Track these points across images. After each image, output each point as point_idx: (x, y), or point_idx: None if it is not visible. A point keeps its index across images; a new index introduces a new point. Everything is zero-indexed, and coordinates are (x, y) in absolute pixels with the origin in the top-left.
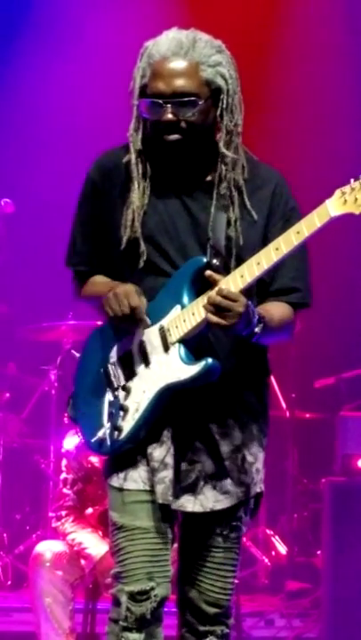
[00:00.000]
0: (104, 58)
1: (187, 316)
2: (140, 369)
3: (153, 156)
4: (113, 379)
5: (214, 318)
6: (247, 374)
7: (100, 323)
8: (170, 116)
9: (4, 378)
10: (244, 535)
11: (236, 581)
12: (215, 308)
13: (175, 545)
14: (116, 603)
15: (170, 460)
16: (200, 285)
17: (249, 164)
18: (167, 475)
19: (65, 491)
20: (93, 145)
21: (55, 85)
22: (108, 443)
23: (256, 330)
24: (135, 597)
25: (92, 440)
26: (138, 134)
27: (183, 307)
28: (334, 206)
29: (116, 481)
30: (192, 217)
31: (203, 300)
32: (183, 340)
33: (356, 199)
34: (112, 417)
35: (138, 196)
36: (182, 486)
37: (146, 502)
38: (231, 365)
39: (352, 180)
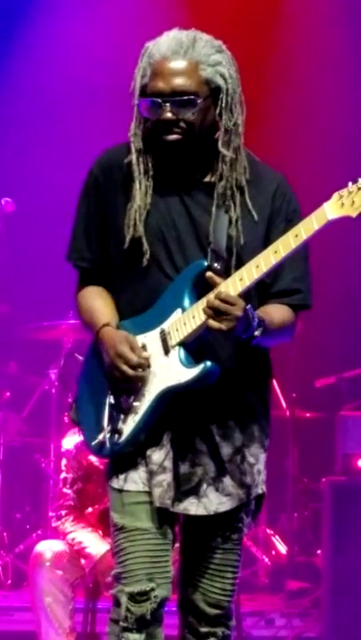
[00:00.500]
0: (104, 57)
1: (187, 319)
2: (141, 373)
3: (154, 154)
4: (113, 383)
5: (214, 324)
6: (248, 376)
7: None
8: (169, 114)
9: (4, 377)
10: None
11: (237, 582)
12: (214, 311)
13: (176, 545)
14: (117, 603)
15: (168, 463)
16: (201, 289)
17: (251, 165)
18: (165, 478)
19: (65, 490)
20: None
21: (54, 83)
22: (108, 445)
23: (256, 333)
24: (135, 598)
25: (93, 443)
26: (139, 134)
27: (184, 310)
28: (332, 209)
29: (116, 482)
30: (192, 218)
31: (203, 303)
32: (183, 343)
33: (353, 202)
34: (112, 420)
35: (140, 195)
36: (185, 490)
37: (146, 503)
38: (232, 367)
39: (350, 184)
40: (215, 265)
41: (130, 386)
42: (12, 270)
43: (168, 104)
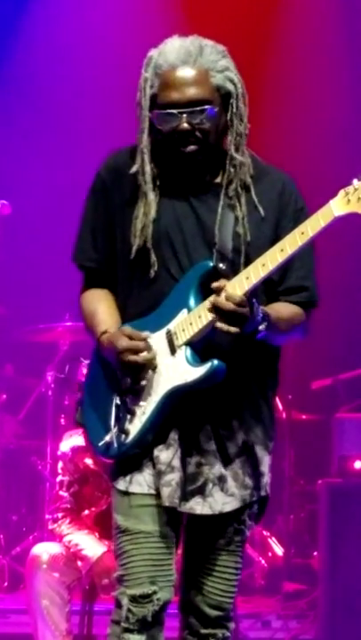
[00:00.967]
0: (103, 60)
1: (193, 319)
2: (148, 373)
3: (164, 163)
4: (120, 383)
5: (223, 325)
6: (255, 377)
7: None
8: (185, 125)
9: (0, 379)
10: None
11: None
12: (221, 312)
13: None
14: (118, 605)
15: (177, 462)
16: (207, 289)
17: (254, 163)
18: (174, 477)
19: (61, 493)
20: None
21: (52, 86)
22: (115, 446)
23: (260, 327)
24: (137, 600)
25: (99, 444)
26: (148, 145)
27: (190, 310)
28: (338, 206)
29: (121, 484)
30: (199, 219)
31: (209, 302)
32: (190, 343)
33: (359, 198)
34: (119, 420)
35: (149, 206)
36: (191, 489)
37: (150, 506)
38: (238, 368)
39: (355, 181)
40: (221, 265)
41: (144, 373)
42: (8, 273)
43: (184, 115)
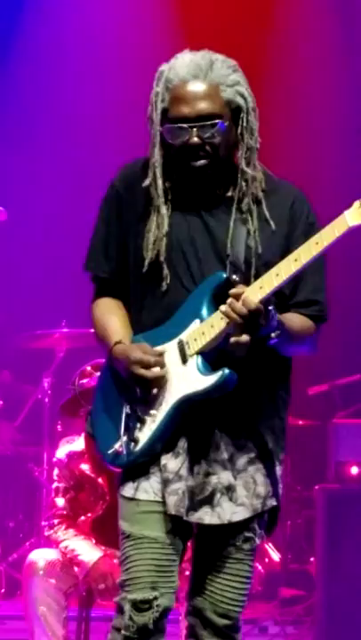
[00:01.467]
0: (101, 66)
1: (206, 328)
2: (157, 386)
3: (175, 177)
4: (131, 392)
5: (235, 337)
6: (267, 386)
7: (93, 330)
8: (196, 139)
9: None
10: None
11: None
12: (234, 317)
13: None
14: (120, 610)
15: (184, 471)
16: (219, 301)
17: (266, 177)
18: (180, 487)
19: (57, 499)
20: (88, 155)
21: (48, 92)
22: (125, 453)
23: (273, 335)
24: (138, 606)
25: (109, 452)
26: (159, 160)
27: (202, 320)
28: (353, 217)
29: (127, 491)
30: (211, 232)
31: (224, 307)
32: (201, 352)
33: None
34: (129, 429)
35: (161, 219)
36: (199, 499)
37: (156, 513)
38: (250, 377)
39: None
40: (234, 277)
41: (152, 389)
42: (5, 279)
43: (195, 129)
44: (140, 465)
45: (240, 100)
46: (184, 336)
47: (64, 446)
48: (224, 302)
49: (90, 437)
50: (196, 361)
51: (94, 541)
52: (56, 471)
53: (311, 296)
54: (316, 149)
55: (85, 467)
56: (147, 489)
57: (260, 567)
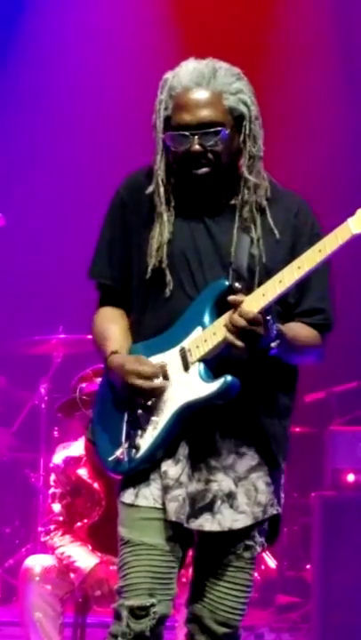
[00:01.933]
0: (103, 72)
1: (208, 336)
2: (153, 398)
3: (178, 185)
4: (132, 399)
5: (238, 342)
6: (270, 394)
7: (90, 336)
8: (197, 147)
9: None
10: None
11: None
12: (237, 330)
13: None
14: (117, 617)
15: (185, 478)
16: (222, 308)
17: (271, 186)
18: (181, 493)
19: (53, 505)
20: (88, 160)
21: (49, 97)
22: (126, 460)
23: (273, 345)
24: (135, 612)
25: (110, 459)
26: (162, 166)
27: (204, 328)
28: (356, 224)
29: (127, 497)
30: (214, 240)
31: (225, 319)
32: (204, 360)
33: None
34: (130, 436)
35: (164, 226)
36: (199, 506)
37: (156, 520)
38: (253, 384)
39: None
40: (237, 284)
41: (149, 399)
42: (2, 285)
43: (196, 137)
44: (141, 472)
45: (243, 108)
46: (186, 343)
47: (60, 452)
48: (226, 310)
49: (90, 444)
50: (198, 368)
51: (90, 547)
52: (52, 477)
53: (316, 305)
54: (318, 153)
55: (82, 472)
56: (147, 495)
57: (256, 574)
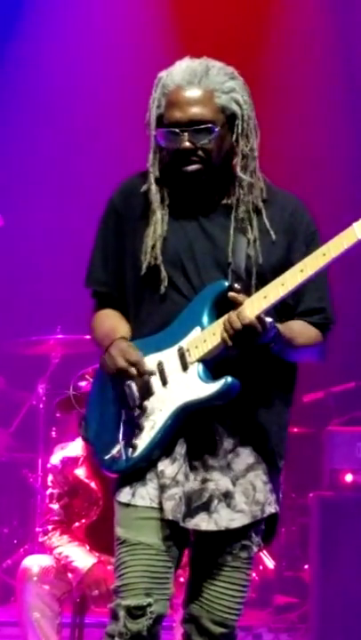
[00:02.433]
0: (102, 73)
1: (207, 336)
2: (158, 388)
3: (171, 183)
4: (129, 398)
5: (229, 342)
6: (267, 394)
7: (88, 337)
8: (187, 144)
9: None
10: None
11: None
12: (235, 332)
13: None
14: (114, 617)
15: (181, 477)
16: (221, 309)
17: (266, 187)
18: (177, 492)
19: (51, 505)
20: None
21: (48, 98)
22: (123, 459)
23: (271, 345)
24: (132, 612)
25: (106, 457)
26: (156, 164)
27: (203, 328)
28: None
29: (123, 497)
30: (211, 240)
31: (225, 320)
32: (202, 360)
33: None
34: (127, 435)
35: (158, 223)
36: (196, 505)
37: (152, 519)
38: (251, 385)
39: None
40: (236, 285)
41: (124, 378)
42: (0, 285)
43: (186, 133)
44: (137, 471)
45: (235, 107)
46: (184, 343)
47: (58, 452)
48: (225, 310)
49: (85, 442)
50: (197, 368)
51: (88, 547)
52: (50, 477)
53: (316, 304)
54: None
55: (79, 473)
56: (143, 495)
57: (254, 574)
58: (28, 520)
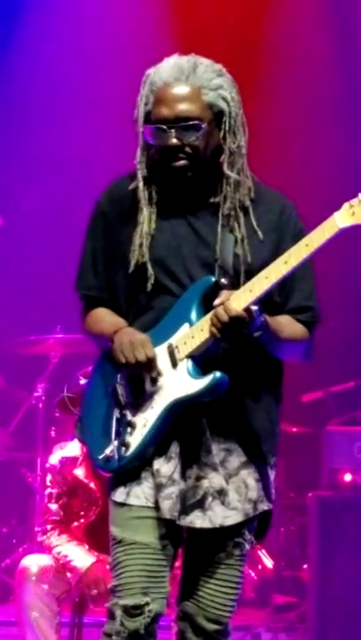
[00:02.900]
0: (100, 72)
1: (195, 332)
2: (149, 386)
3: (159, 180)
4: (121, 397)
5: (218, 335)
6: (258, 390)
7: (85, 335)
8: (174, 140)
9: None
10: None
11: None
12: (222, 325)
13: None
14: (111, 616)
15: (177, 476)
16: (209, 304)
17: (255, 187)
18: (174, 491)
19: (50, 505)
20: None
21: (45, 97)
22: (116, 458)
23: (255, 334)
24: (129, 612)
25: (100, 457)
26: (143, 161)
27: (192, 324)
28: (343, 218)
29: (119, 496)
30: (199, 237)
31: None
32: (192, 356)
33: None
34: (119, 434)
35: (145, 221)
36: (190, 503)
37: (148, 518)
38: (241, 381)
39: (360, 194)
40: (223, 280)
41: (135, 371)
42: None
43: (173, 130)
44: (132, 470)
45: (222, 104)
46: (174, 340)
47: (57, 452)
48: (213, 306)
49: (80, 442)
50: (186, 365)
51: (87, 547)
52: (49, 477)
53: (303, 302)
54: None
55: (79, 472)
56: (138, 494)
57: (253, 574)
58: (27, 519)
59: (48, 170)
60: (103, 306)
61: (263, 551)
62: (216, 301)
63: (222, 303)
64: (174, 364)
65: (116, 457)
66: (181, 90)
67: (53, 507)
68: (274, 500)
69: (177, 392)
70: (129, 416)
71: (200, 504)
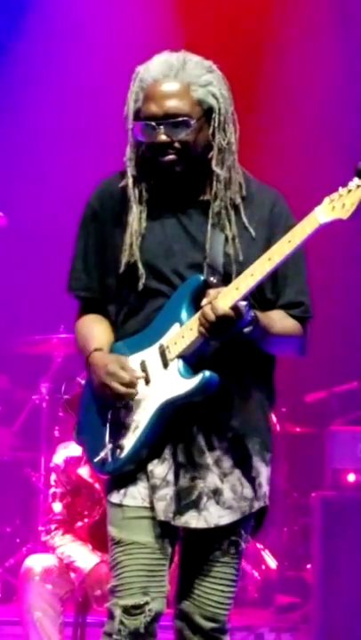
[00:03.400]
0: (97, 72)
1: (185, 332)
2: (141, 388)
3: (149, 178)
4: (114, 399)
5: (206, 335)
6: (250, 388)
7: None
8: (163, 137)
9: None
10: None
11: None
12: (209, 324)
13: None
14: (111, 616)
15: (171, 477)
16: (199, 304)
17: (246, 183)
18: (168, 492)
19: (54, 505)
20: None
21: (48, 100)
22: (111, 461)
23: (245, 330)
24: (129, 611)
25: (95, 460)
26: (133, 158)
27: (182, 324)
28: (323, 213)
29: (115, 497)
30: (189, 236)
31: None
32: (182, 356)
33: (343, 205)
34: (113, 436)
35: (136, 220)
36: (185, 503)
37: (144, 518)
38: (233, 380)
39: (340, 188)
40: (212, 279)
41: (122, 403)
42: (3, 284)
43: (162, 127)
44: (127, 472)
45: (212, 101)
46: (165, 340)
47: (61, 451)
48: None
49: (79, 444)
50: (177, 365)
51: (91, 547)
52: (53, 476)
53: (295, 298)
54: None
55: (82, 472)
56: (134, 495)
57: (256, 574)
58: (31, 519)
59: (52, 170)
60: (97, 306)
61: (267, 551)
62: (203, 301)
63: (210, 302)
64: (165, 364)
65: (111, 459)
66: (170, 86)
67: (57, 506)
68: (269, 496)
69: (168, 393)
70: (122, 418)
71: (195, 504)
